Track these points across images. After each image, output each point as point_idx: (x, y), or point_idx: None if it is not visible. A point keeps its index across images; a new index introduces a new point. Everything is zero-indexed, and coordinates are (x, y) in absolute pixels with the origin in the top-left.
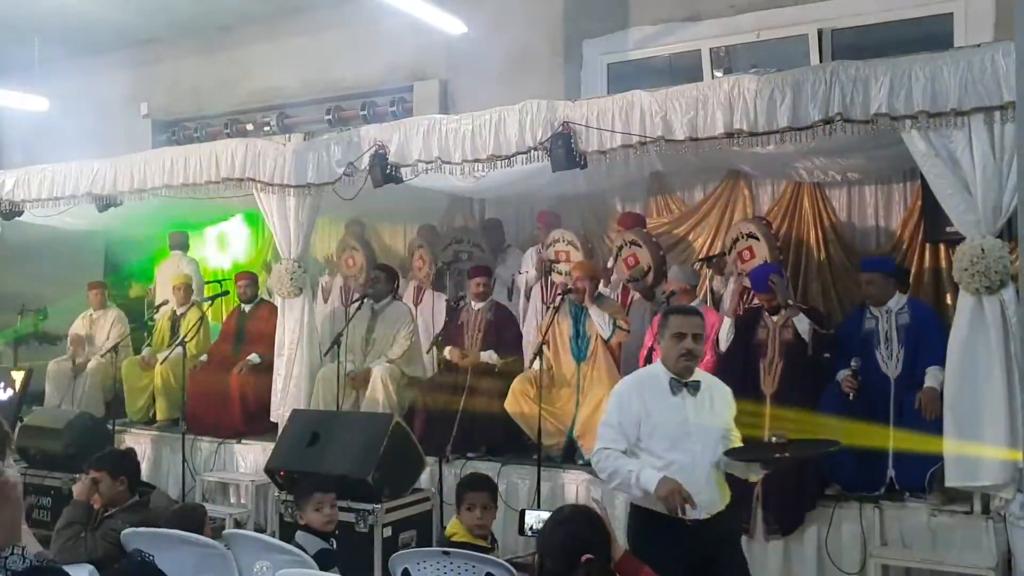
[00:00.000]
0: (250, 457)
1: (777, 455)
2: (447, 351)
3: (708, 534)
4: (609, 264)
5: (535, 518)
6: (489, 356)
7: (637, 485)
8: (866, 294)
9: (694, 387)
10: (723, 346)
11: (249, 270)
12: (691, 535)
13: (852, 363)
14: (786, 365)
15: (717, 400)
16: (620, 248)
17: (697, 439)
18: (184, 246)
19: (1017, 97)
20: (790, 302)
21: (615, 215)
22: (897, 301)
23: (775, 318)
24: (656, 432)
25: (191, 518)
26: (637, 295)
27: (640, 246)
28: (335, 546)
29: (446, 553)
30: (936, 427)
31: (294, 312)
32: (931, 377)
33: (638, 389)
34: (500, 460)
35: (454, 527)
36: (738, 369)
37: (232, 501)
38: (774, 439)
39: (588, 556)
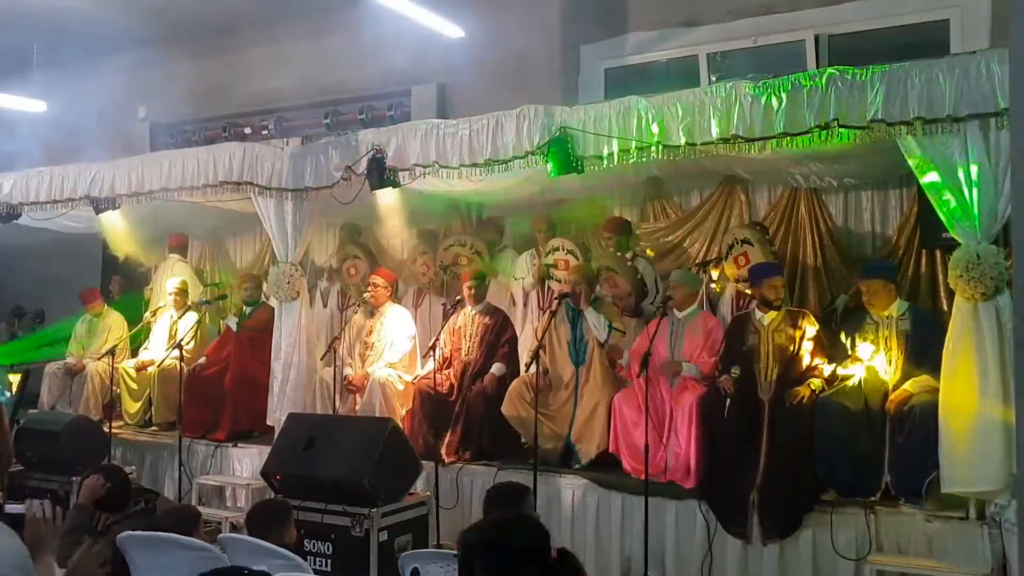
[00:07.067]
0: (246, 460)
1: None
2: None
3: None
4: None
5: None
6: (498, 369)
7: None
8: (867, 303)
9: None
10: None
11: (251, 272)
12: None
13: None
14: (782, 370)
15: None
16: (598, 272)
17: None
18: (182, 249)
19: (1012, 103)
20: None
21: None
22: (899, 307)
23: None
24: None
25: (184, 520)
26: None
27: (618, 273)
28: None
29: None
30: (931, 434)
31: (291, 316)
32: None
33: None
34: (496, 464)
35: None
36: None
37: (228, 504)
38: None
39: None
